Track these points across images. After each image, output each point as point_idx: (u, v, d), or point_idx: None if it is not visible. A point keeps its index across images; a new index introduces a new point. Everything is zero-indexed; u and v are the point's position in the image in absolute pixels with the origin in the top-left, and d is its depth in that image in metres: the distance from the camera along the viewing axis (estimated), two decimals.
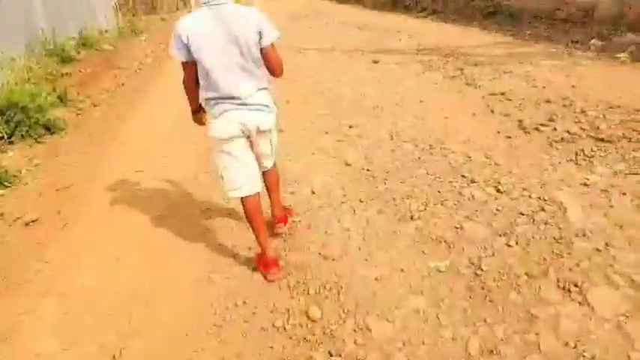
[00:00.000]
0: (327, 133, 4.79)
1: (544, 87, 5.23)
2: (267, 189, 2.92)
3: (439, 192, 3.36)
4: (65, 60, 8.38)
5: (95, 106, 6.89)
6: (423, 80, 6.17)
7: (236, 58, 2.31)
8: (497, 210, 3.02)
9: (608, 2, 7.74)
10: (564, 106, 4.60)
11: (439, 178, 3.57)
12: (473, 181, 3.43)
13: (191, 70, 2.38)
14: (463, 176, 3.53)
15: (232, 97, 2.36)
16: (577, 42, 7.56)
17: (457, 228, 2.88)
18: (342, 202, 3.41)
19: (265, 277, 2.62)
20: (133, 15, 16.65)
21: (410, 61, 7.27)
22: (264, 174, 2.84)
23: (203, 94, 2.44)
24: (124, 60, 10.34)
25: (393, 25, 11.05)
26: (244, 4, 2.63)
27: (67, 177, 4.18)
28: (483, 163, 3.71)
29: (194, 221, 3.31)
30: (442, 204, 3.19)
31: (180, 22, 2.30)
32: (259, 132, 2.50)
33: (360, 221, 3.11)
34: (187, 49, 2.27)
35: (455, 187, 3.39)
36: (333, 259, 2.70)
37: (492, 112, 4.77)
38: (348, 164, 4.03)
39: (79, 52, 9.43)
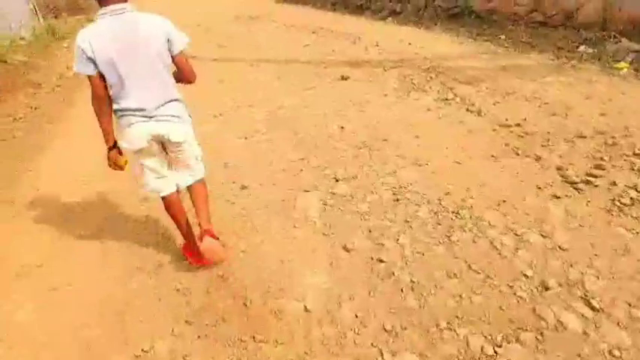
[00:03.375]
0: (307, 190, 3.56)
1: (566, 115, 4.26)
2: (194, 203, 2.68)
3: (502, 310, 2.24)
4: None
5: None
6: (410, 105, 5.06)
7: (144, 69, 2.23)
8: (612, 355, 1.93)
9: (596, 3, 7.01)
10: (607, 144, 3.63)
11: (491, 279, 2.44)
12: (546, 288, 2.33)
13: (100, 84, 2.24)
14: (526, 276, 2.43)
15: (140, 109, 2.28)
16: (562, 49, 6.76)
17: None
18: (357, 334, 2.21)
19: (192, 263, 2.74)
20: (56, 16, 14.42)
21: (386, 78, 6.15)
22: (188, 189, 2.68)
23: (113, 106, 2.32)
24: (40, 74, 8.59)
25: (352, 30, 9.92)
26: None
27: None
28: (544, 248, 2.63)
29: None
30: (517, 340, 2.06)
31: (80, 33, 2.17)
32: (171, 144, 2.42)
33: None
34: (93, 62, 2.17)
35: (524, 300, 2.28)
36: None
37: (517, 153, 3.73)
38: (347, 249, 2.83)
39: None
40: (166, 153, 2.50)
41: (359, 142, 4.27)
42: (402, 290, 2.45)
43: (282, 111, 5.31)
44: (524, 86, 5.07)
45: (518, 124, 4.19)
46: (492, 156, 3.75)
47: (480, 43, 7.43)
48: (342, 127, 4.64)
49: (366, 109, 5.10)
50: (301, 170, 3.90)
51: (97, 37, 2.14)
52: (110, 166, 2.49)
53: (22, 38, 10.47)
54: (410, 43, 7.88)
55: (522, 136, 3.98)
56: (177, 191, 2.65)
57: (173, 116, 2.35)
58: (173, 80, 2.41)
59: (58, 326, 2.47)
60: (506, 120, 4.27)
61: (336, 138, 4.44)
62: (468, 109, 4.69)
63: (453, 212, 3.08)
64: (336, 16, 12.31)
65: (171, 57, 2.32)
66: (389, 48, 7.71)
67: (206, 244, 2.50)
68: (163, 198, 2.60)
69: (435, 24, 9.95)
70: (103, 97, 2.27)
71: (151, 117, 2.29)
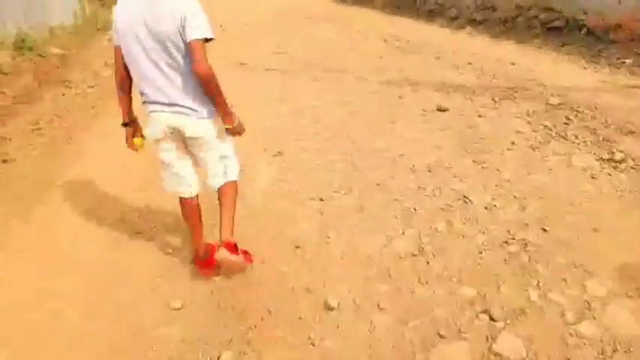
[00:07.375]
0: (446, 337, 2.07)
1: None
2: (219, 204, 2.39)
3: None
4: None
5: (5, 162, 4.04)
6: (559, 165, 3.49)
7: (160, 53, 2.03)
8: None
9: None
10: None
11: None
12: None
13: (120, 56, 2.12)
14: None
15: (156, 95, 2.12)
16: None
17: None
18: None
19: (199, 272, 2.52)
20: (103, 4, 13.21)
21: (500, 113, 4.59)
22: (217, 191, 2.38)
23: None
24: (75, 70, 7.39)
25: (429, 40, 8.36)
26: None
27: None
28: None
29: None
30: None
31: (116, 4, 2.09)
32: (188, 139, 2.22)
33: None
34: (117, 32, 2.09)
35: None
36: None
37: None
38: None
39: (14, 59, 6.33)
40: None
41: (504, 232, 2.75)
42: None
43: (367, 159, 3.82)
44: None
45: None
46: None
47: (611, 70, 5.76)
48: (468, 199, 3.12)
49: (492, 165, 3.56)
50: (422, 282, 2.41)
51: (122, 12, 2.04)
52: (126, 139, 2.36)
53: (62, 28, 9.28)
54: (513, 64, 6.27)
55: None
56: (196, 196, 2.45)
57: (189, 108, 2.13)
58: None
59: None
60: None
61: (459, 218, 2.93)
62: None
63: None
64: (403, 21, 10.75)
65: (186, 43, 2.00)
66: (487, 69, 6.13)
67: (221, 255, 2.26)
68: (180, 199, 2.43)
69: (527, 38, 8.29)
70: (121, 72, 2.16)
71: (168, 105, 2.12)
